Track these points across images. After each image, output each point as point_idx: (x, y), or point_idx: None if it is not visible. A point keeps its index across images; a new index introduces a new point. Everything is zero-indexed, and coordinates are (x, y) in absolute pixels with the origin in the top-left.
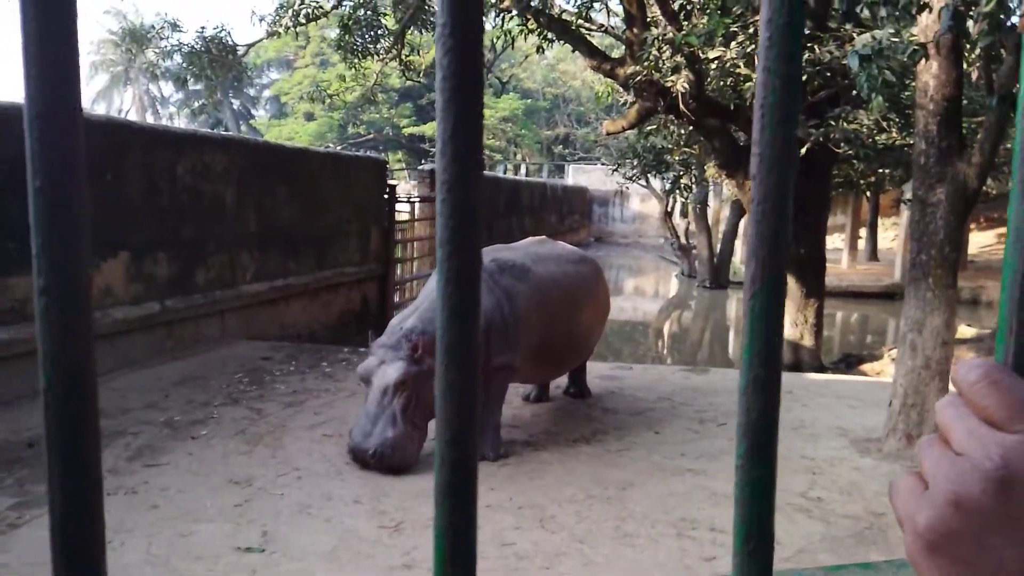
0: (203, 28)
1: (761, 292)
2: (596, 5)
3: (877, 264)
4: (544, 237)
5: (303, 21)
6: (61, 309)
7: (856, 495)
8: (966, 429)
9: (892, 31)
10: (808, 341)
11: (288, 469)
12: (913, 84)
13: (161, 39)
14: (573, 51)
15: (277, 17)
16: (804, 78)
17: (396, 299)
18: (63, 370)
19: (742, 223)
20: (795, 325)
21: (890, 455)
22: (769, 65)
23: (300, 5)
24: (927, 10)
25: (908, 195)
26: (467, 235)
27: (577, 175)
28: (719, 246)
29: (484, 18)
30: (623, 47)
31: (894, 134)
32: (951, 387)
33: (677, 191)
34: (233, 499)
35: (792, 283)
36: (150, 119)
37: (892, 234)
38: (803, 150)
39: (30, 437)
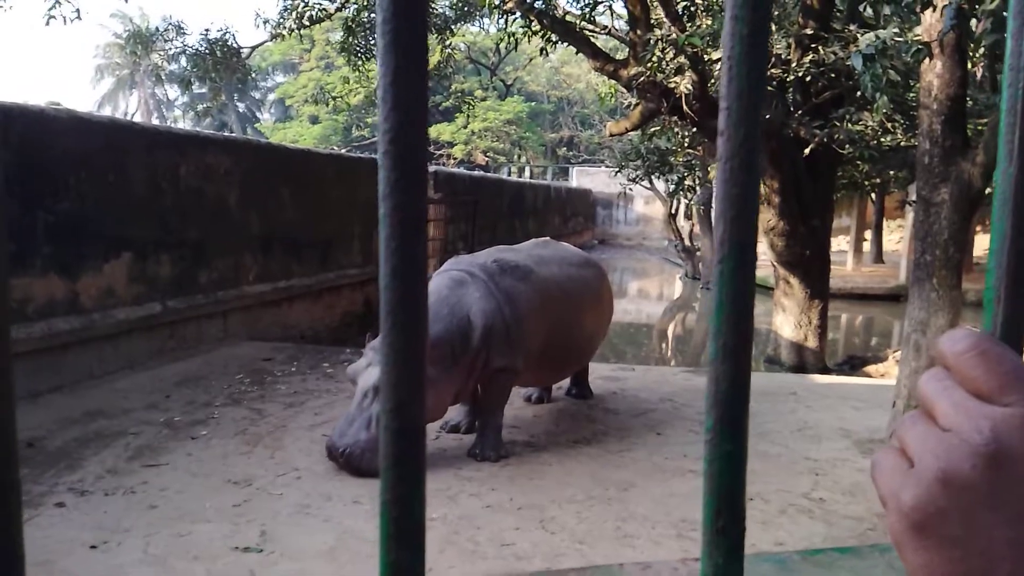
0: (207, 31)
1: (730, 256)
2: (600, 7)
3: (882, 266)
4: (548, 239)
5: (307, 24)
6: None
7: (859, 496)
8: (953, 402)
9: (896, 30)
10: (812, 343)
11: (288, 469)
12: (917, 85)
13: (166, 42)
14: (577, 53)
15: (281, 20)
16: (808, 79)
17: None
18: None
19: None
20: (799, 327)
21: None
22: (736, 13)
23: (304, 7)
24: (931, 8)
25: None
26: (411, 189)
27: (581, 177)
28: None
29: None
30: (627, 49)
31: (899, 135)
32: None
33: (681, 193)
34: (232, 499)
35: (797, 285)
36: (156, 122)
37: (897, 236)
38: (807, 151)
39: (30, 437)
